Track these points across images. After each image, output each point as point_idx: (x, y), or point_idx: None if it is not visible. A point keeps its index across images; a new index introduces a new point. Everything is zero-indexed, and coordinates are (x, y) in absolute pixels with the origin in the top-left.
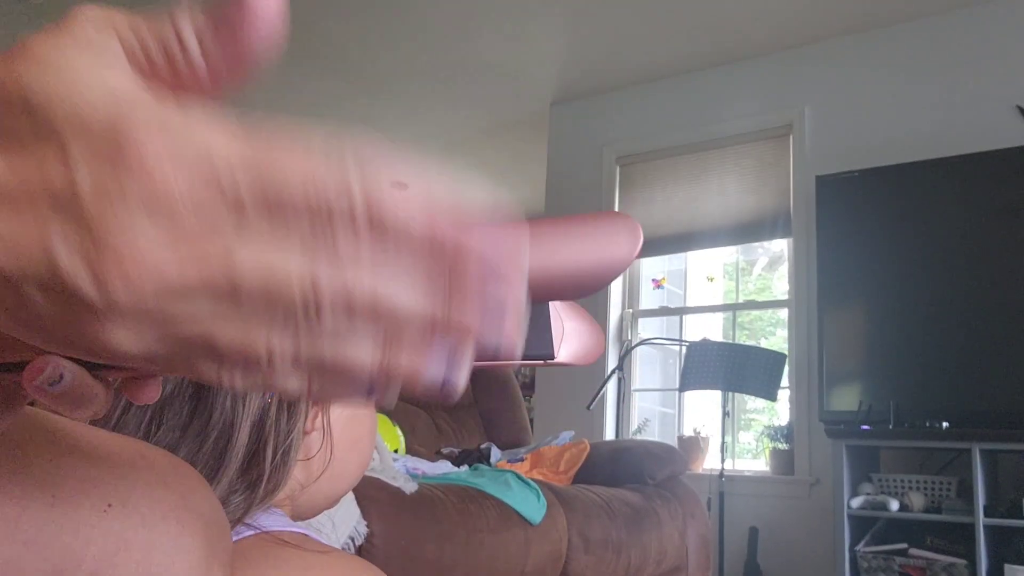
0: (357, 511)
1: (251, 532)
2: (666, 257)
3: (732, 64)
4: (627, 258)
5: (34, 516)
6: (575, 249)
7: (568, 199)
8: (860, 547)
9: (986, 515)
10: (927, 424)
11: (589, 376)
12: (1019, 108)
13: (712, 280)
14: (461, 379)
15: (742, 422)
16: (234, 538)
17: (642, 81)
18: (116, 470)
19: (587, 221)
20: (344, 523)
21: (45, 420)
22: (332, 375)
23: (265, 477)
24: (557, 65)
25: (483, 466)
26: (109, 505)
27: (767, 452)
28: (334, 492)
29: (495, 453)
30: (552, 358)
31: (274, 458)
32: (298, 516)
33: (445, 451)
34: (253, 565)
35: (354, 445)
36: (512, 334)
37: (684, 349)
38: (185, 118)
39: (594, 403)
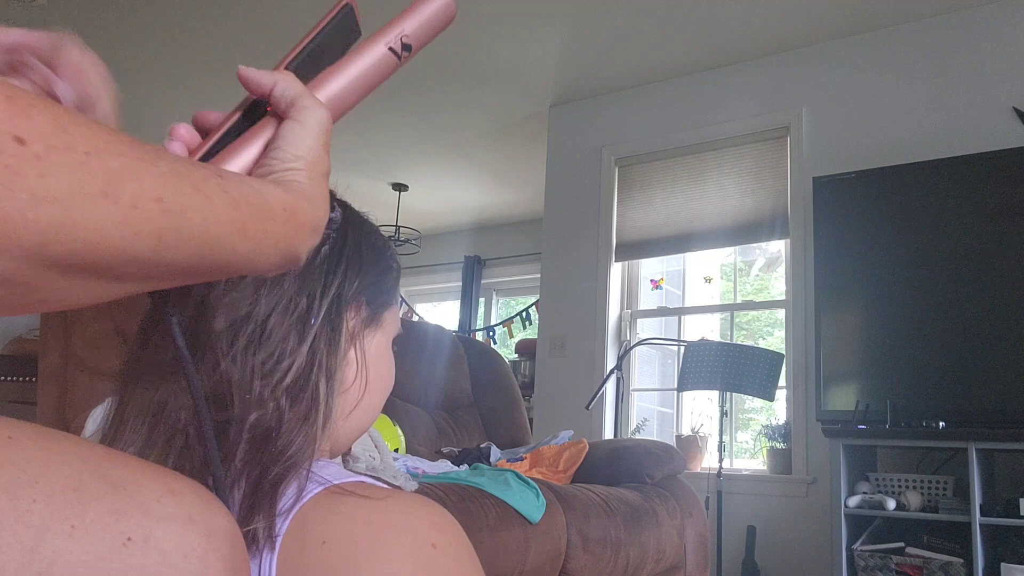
0: None
1: (320, 488)
2: (664, 258)
3: (730, 66)
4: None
5: (51, 545)
6: (434, 18)
7: (568, 200)
8: (857, 546)
9: (982, 514)
10: (923, 423)
11: (588, 376)
12: (1015, 110)
13: (710, 281)
14: None
15: (740, 421)
16: (305, 496)
17: (641, 83)
18: (141, 504)
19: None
20: None
21: (76, 445)
22: None
23: (321, 407)
24: (556, 67)
25: (483, 465)
26: (129, 539)
27: (765, 451)
28: (361, 426)
29: (495, 452)
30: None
31: (328, 386)
32: (333, 453)
33: (445, 450)
34: (323, 521)
35: (380, 381)
36: None
37: (682, 349)
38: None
39: (593, 403)
